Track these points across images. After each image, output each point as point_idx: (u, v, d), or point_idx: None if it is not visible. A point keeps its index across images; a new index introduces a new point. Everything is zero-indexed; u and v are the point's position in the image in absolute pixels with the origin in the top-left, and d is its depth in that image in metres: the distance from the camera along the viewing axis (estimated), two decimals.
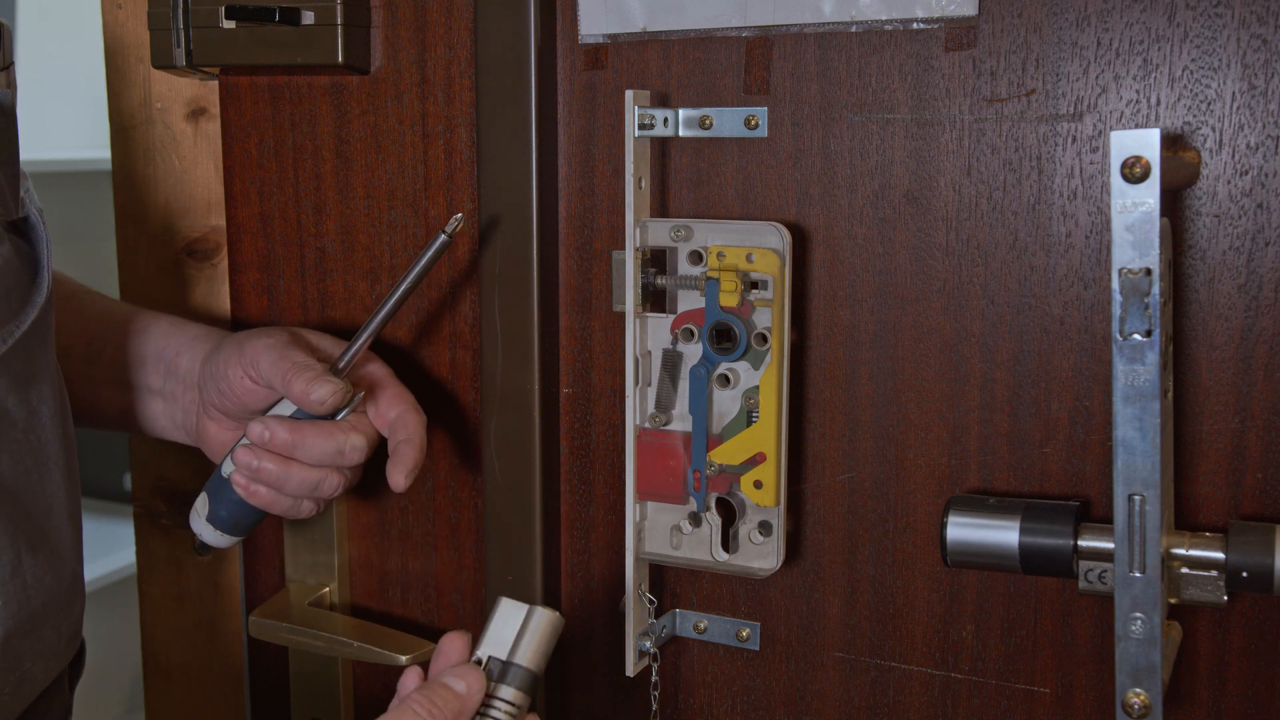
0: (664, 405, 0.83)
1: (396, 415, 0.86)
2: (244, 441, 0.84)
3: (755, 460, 0.80)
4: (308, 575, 0.99)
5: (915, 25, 0.77)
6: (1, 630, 0.69)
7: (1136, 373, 0.64)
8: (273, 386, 0.83)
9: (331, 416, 0.84)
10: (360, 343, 0.83)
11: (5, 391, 0.69)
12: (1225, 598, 0.70)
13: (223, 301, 0.99)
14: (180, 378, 0.88)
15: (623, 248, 0.85)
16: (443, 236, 0.80)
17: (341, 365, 0.84)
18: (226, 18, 0.89)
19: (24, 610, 0.71)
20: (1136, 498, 0.65)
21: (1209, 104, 0.72)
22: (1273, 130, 0.71)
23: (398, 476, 0.83)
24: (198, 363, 0.87)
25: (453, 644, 0.70)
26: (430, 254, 0.81)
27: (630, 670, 0.84)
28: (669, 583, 0.89)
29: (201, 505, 0.88)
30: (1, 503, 0.69)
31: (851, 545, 0.83)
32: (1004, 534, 0.74)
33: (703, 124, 0.81)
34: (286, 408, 0.84)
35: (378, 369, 0.87)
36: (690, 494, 0.82)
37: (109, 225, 1.02)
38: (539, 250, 0.86)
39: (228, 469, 0.85)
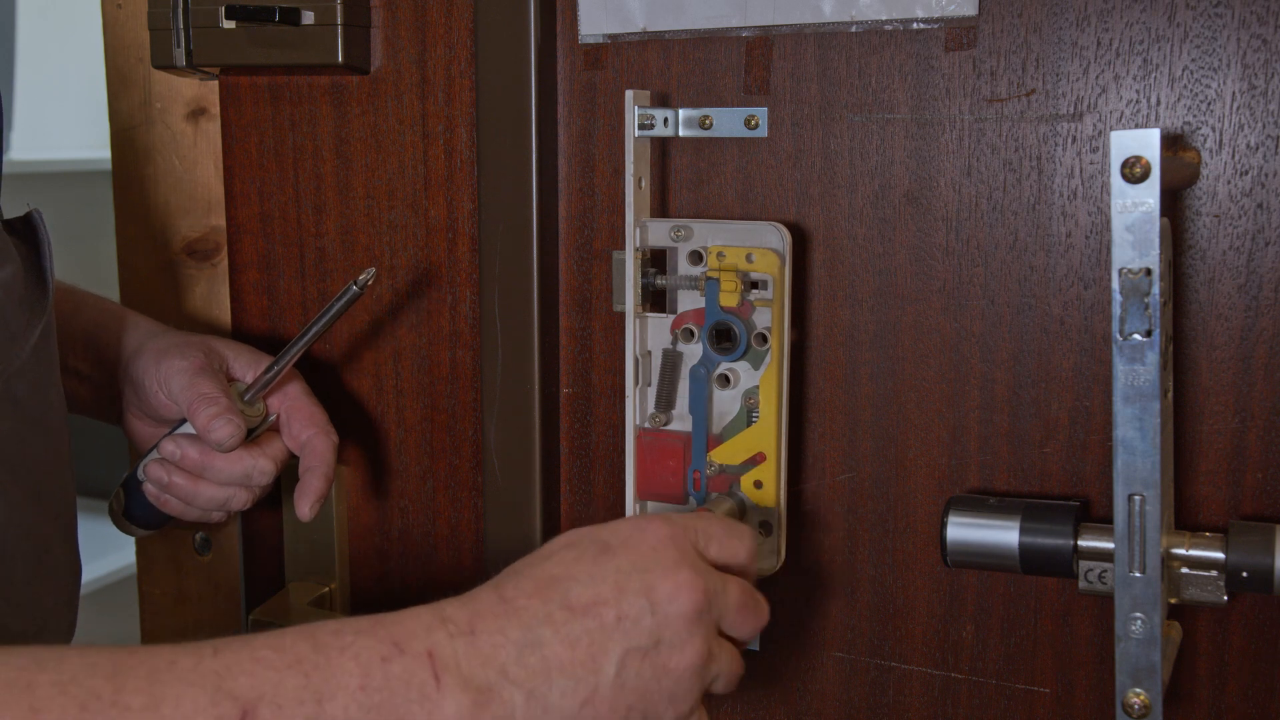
0: (664, 405, 0.83)
1: (308, 439, 0.87)
2: (156, 455, 0.86)
3: (755, 460, 0.80)
4: (308, 575, 0.99)
5: (915, 25, 0.77)
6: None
7: (1136, 373, 0.64)
8: (181, 408, 0.85)
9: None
10: (265, 380, 0.86)
11: (27, 393, 0.70)
12: (1225, 598, 0.70)
13: (223, 301, 0.99)
14: (108, 367, 0.89)
15: (623, 248, 0.85)
16: (353, 288, 0.81)
17: (248, 398, 0.86)
18: (226, 18, 0.89)
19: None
20: (1136, 498, 0.65)
21: (1209, 104, 0.72)
22: (1273, 130, 0.71)
23: (303, 506, 0.85)
24: (124, 356, 0.88)
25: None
26: (340, 304, 0.82)
27: None
28: None
29: (117, 502, 0.91)
30: (34, 496, 0.72)
31: (851, 545, 0.83)
32: (1004, 534, 0.74)
33: (703, 124, 0.81)
34: None
35: (294, 388, 0.89)
36: (690, 494, 0.82)
37: (109, 225, 1.02)
38: (539, 250, 0.86)
39: (143, 474, 0.87)
